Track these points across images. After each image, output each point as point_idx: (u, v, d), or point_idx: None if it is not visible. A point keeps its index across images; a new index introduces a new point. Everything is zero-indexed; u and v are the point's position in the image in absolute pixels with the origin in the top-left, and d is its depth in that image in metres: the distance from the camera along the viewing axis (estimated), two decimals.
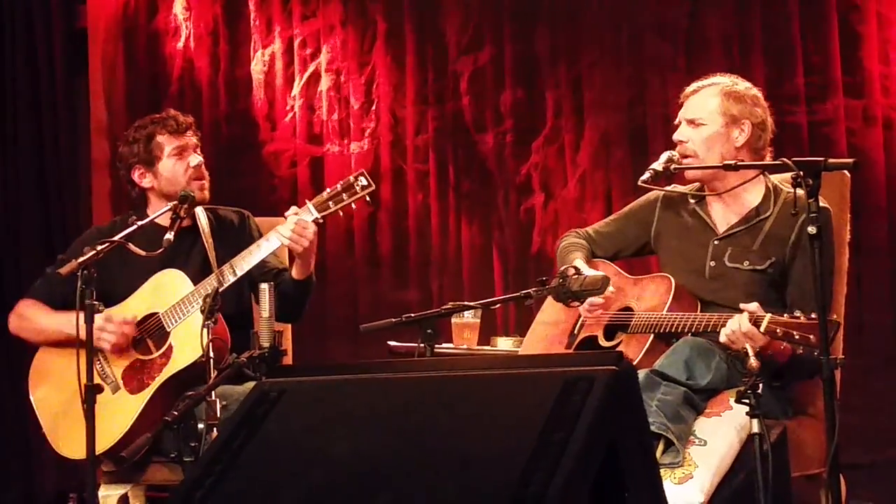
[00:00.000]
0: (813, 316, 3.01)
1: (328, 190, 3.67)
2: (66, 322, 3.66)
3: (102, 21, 5.73)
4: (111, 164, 5.69)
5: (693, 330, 3.37)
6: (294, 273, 3.79)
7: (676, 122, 3.65)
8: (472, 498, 1.99)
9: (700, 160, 3.55)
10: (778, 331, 3.07)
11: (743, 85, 3.62)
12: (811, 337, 3.01)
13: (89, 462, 3.38)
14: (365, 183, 3.62)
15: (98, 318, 3.61)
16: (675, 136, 3.62)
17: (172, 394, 3.63)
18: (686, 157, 3.58)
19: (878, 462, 4.62)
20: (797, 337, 3.03)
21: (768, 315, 3.11)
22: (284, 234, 3.65)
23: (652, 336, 3.45)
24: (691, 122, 3.59)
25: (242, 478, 2.22)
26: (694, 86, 3.65)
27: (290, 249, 3.74)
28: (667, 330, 3.43)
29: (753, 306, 3.16)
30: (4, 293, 5.29)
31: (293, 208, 3.70)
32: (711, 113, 3.56)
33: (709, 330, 3.32)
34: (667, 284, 3.54)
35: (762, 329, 3.11)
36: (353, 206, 3.65)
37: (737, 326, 3.18)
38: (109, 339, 3.70)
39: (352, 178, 3.64)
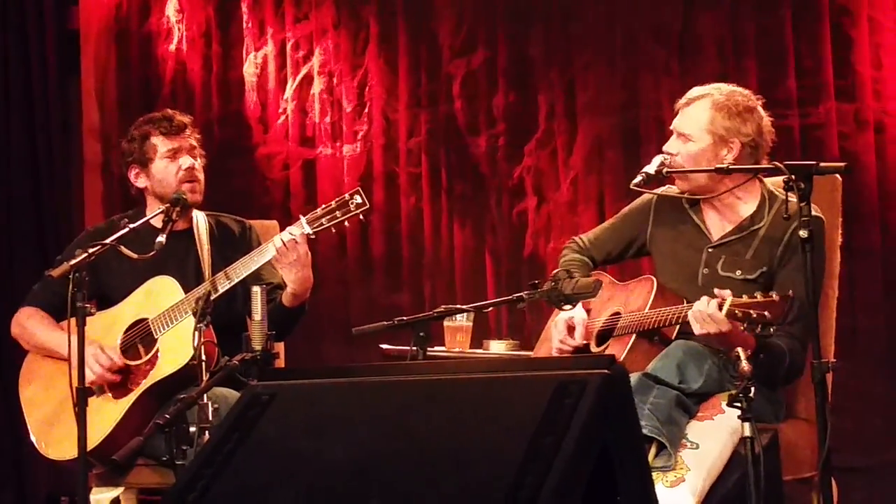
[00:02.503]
0: (771, 294, 3.03)
1: (323, 206, 3.68)
2: (60, 343, 3.71)
3: (95, 23, 5.73)
4: (103, 166, 5.70)
5: (669, 322, 3.38)
6: (285, 299, 3.75)
7: (671, 128, 3.65)
8: (464, 501, 1.99)
9: (686, 174, 3.55)
10: (738, 312, 3.07)
11: (738, 98, 3.54)
12: (766, 313, 3.01)
13: (81, 465, 3.38)
14: (360, 201, 3.63)
15: (89, 349, 3.57)
16: (665, 148, 3.60)
17: (157, 400, 3.65)
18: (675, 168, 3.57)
19: (870, 466, 4.62)
20: (755, 315, 3.04)
21: (730, 298, 3.11)
22: (275, 245, 3.65)
23: (634, 336, 3.46)
24: (682, 135, 3.57)
25: (234, 481, 2.22)
26: (690, 95, 3.60)
27: (276, 263, 3.70)
28: (648, 327, 3.44)
29: (725, 293, 3.17)
30: None
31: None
32: (700, 129, 3.52)
33: (683, 321, 3.33)
34: (649, 285, 3.57)
35: (723, 312, 3.11)
36: (347, 223, 3.66)
37: (704, 307, 3.19)
38: (91, 377, 3.65)
39: (347, 196, 3.65)
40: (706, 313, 3.18)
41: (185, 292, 3.73)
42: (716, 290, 3.18)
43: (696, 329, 3.23)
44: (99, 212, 5.60)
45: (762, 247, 3.51)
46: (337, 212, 3.64)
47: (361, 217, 3.67)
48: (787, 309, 3.02)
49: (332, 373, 2.48)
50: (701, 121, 3.53)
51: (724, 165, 3.41)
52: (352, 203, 3.64)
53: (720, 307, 3.13)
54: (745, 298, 3.07)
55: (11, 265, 5.48)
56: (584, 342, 3.62)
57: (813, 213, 3.06)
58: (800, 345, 3.38)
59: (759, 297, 3.05)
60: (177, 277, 3.78)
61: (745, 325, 3.06)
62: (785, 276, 3.44)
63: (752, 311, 3.04)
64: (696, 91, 3.60)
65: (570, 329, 3.64)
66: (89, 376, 3.63)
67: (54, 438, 3.75)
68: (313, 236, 3.67)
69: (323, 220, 3.65)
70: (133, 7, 5.71)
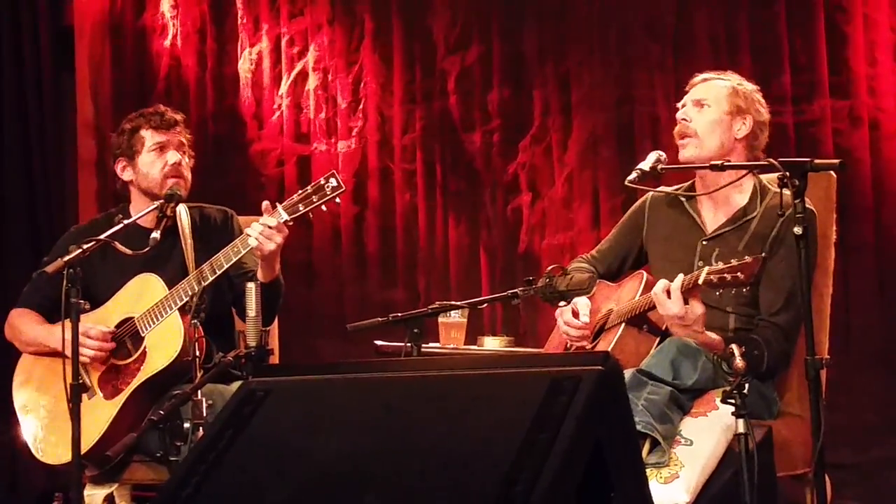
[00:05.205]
0: (745, 258, 3.10)
1: (298, 192, 3.61)
2: (48, 335, 3.77)
3: (89, 19, 5.73)
4: (98, 162, 5.69)
5: (651, 306, 3.40)
6: (260, 276, 3.68)
7: (681, 104, 3.67)
8: (458, 497, 1.99)
9: (699, 140, 3.57)
10: (713, 278, 3.14)
11: (751, 86, 3.66)
12: (739, 274, 3.09)
13: (75, 461, 3.37)
14: (335, 184, 3.55)
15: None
16: (679, 115, 3.63)
17: (148, 397, 3.64)
18: (685, 136, 3.59)
19: (864, 462, 4.63)
20: (729, 278, 3.09)
21: (706, 268, 3.19)
22: (252, 235, 3.61)
23: (622, 326, 3.47)
24: (698, 102, 3.61)
25: (228, 477, 2.22)
26: (705, 75, 3.69)
27: (256, 251, 3.63)
28: (635, 313, 3.46)
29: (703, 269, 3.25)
30: None
31: (265, 203, 3.65)
32: (718, 98, 3.60)
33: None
34: (639, 277, 3.60)
35: (701, 281, 3.17)
36: (324, 207, 3.57)
37: (659, 288, 3.25)
38: (88, 353, 3.68)
39: (322, 180, 3.57)
40: (660, 292, 3.25)
41: (170, 288, 3.72)
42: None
43: (660, 309, 3.29)
44: (93, 208, 5.59)
45: (753, 239, 3.53)
46: (313, 196, 3.56)
47: (337, 201, 3.59)
48: (760, 269, 3.09)
49: (327, 369, 2.47)
50: (721, 92, 3.61)
51: (720, 162, 3.42)
52: (327, 187, 3.55)
53: (697, 278, 3.19)
54: (719, 265, 3.12)
55: (5, 262, 5.47)
56: (592, 325, 3.62)
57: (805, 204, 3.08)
58: (783, 335, 3.41)
59: (733, 262, 3.13)
60: (162, 273, 3.76)
61: (721, 289, 3.12)
62: (773, 267, 3.45)
63: (726, 275, 3.11)
64: (711, 73, 3.70)
65: (576, 314, 3.64)
66: (83, 358, 3.63)
67: (50, 444, 3.75)
68: (290, 223, 3.63)
69: (299, 206, 3.57)
70: (127, 3, 5.70)
